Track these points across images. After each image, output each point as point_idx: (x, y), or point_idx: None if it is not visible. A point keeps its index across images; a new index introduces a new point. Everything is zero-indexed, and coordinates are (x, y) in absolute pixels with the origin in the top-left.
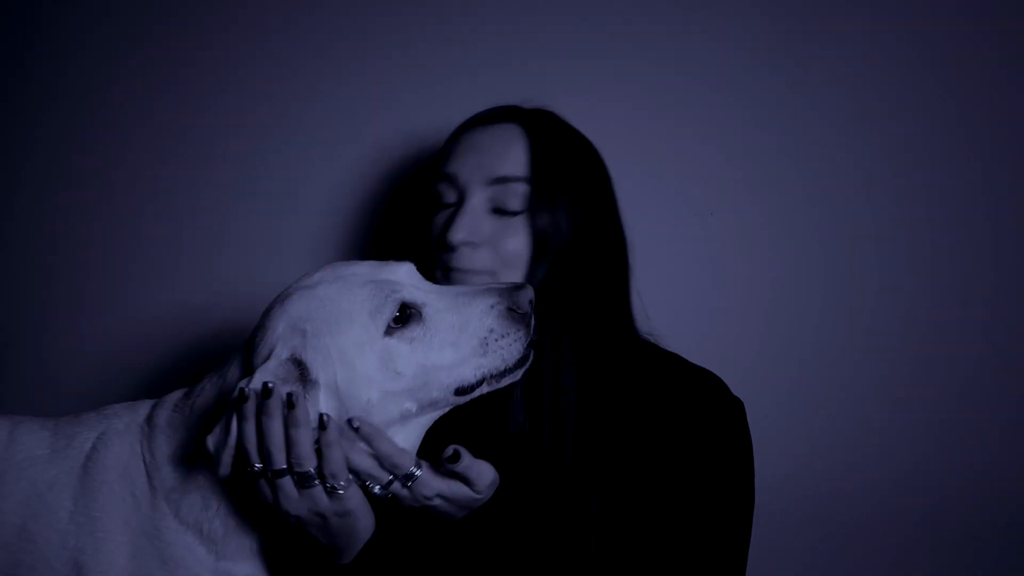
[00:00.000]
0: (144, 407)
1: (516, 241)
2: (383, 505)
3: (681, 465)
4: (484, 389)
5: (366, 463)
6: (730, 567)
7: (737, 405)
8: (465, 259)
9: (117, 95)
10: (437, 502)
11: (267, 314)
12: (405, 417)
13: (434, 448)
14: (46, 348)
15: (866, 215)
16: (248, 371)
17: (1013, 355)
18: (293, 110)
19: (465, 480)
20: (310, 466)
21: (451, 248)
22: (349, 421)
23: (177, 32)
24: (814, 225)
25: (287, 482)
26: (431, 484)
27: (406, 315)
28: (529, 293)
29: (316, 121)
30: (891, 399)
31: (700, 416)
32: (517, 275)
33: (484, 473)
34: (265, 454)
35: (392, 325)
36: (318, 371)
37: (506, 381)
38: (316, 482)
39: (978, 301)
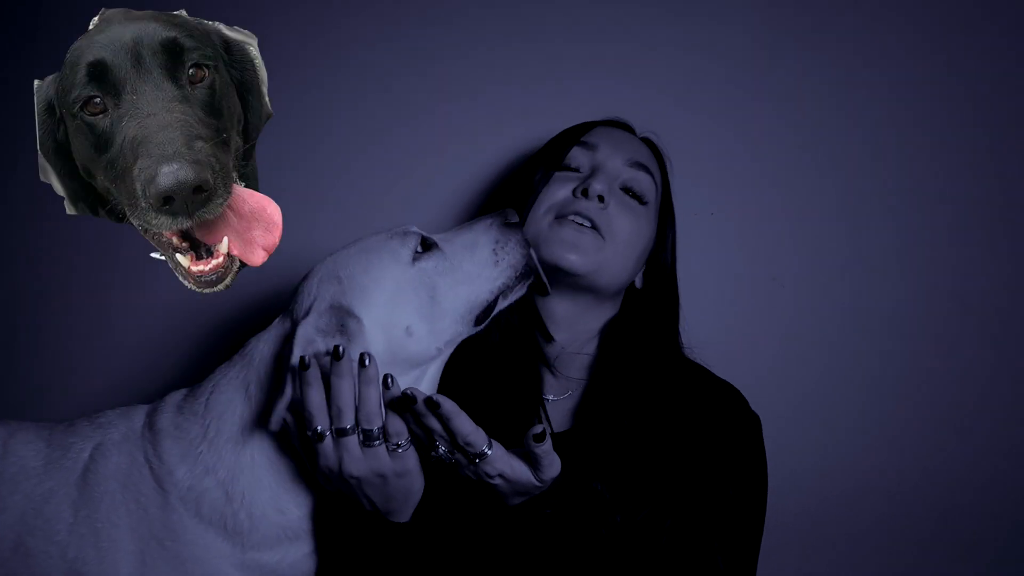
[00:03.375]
0: (139, 414)
1: (628, 222)
2: (434, 468)
3: (722, 477)
4: (500, 305)
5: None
6: (747, 569)
7: (756, 421)
8: (594, 212)
9: None
10: (497, 481)
11: (299, 286)
12: (433, 357)
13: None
14: (42, 350)
15: (879, 217)
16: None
17: None
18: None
19: (536, 463)
20: (377, 423)
21: (587, 196)
22: (429, 399)
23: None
24: (821, 227)
25: (352, 441)
26: (497, 464)
27: (427, 245)
28: (514, 215)
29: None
30: (903, 404)
31: (731, 432)
32: (617, 252)
33: (555, 464)
34: (335, 412)
35: (417, 252)
36: (360, 309)
37: (515, 295)
38: (379, 441)
39: (999, 306)
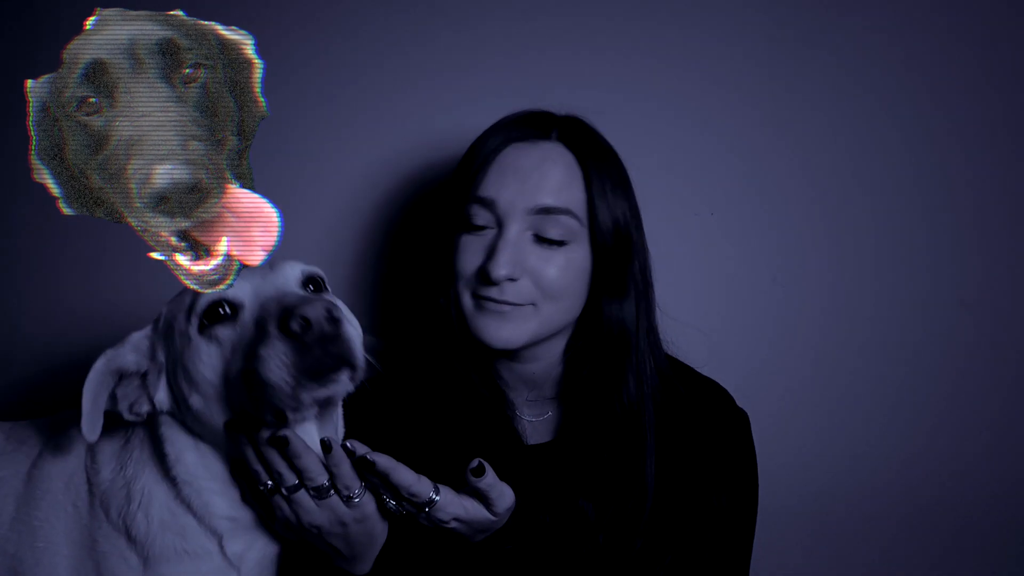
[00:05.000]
0: None
1: (557, 272)
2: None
3: (714, 481)
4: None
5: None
6: (742, 568)
7: (744, 418)
8: (508, 292)
9: None
10: (453, 524)
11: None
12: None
13: (449, 463)
14: (40, 350)
15: (871, 216)
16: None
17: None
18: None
19: (485, 499)
20: (323, 480)
21: (493, 283)
22: (363, 457)
23: None
24: (818, 226)
25: (303, 495)
26: (448, 508)
27: (220, 315)
28: None
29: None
30: (892, 403)
31: (719, 434)
32: (556, 304)
33: (505, 495)
34: (276, 477)
35: (204, 323)
36: (161, 355)
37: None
38: (332, 492)
39: (988, 303)
